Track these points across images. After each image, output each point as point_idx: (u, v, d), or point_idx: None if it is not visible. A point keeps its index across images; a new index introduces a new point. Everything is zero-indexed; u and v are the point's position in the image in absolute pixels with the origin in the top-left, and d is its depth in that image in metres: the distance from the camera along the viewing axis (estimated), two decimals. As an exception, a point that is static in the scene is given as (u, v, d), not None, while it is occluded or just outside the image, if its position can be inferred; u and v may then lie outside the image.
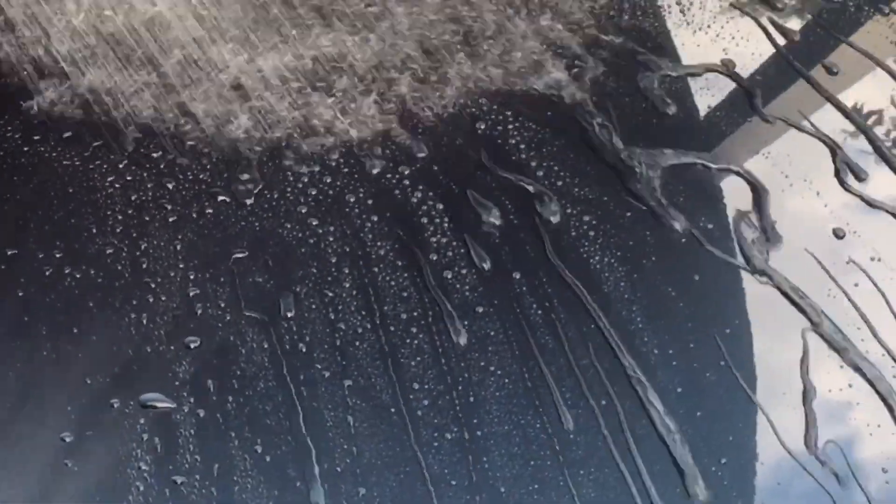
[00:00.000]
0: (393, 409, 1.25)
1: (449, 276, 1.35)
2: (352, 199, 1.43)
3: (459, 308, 1.33)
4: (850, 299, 1.35)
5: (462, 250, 1.38)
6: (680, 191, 1.46)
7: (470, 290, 1.34)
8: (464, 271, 1.36)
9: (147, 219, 1.42)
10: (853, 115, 1.57)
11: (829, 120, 1.58)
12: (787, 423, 1.25)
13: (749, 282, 1.37)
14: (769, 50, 1.68)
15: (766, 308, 1.35)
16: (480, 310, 1.33)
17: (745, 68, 1.65)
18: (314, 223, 1.41)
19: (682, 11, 1.73)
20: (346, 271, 1.36)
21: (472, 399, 1.25)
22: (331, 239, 1.39)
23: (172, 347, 1.29)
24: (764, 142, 1.55)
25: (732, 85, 1.63)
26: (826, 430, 1.24)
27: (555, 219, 1.41)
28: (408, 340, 1.30)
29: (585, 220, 1.42)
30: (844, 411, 1.26)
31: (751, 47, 1.68)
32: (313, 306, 1.32)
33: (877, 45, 1.68)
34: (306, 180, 1.46)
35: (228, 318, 1.31)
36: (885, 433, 1.23)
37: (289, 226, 1.41)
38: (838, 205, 1.46)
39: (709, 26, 1.72)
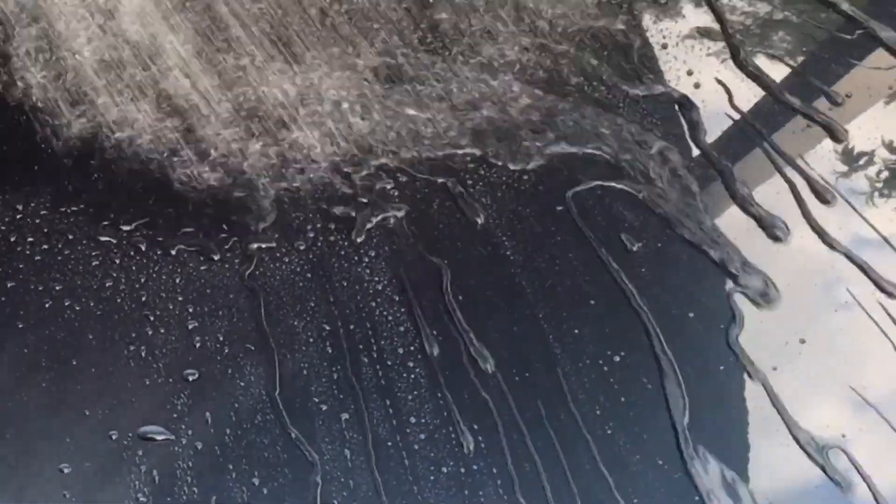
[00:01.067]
0: (389, 443, 1.25)
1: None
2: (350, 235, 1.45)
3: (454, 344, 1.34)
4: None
5: (458, 282, 1.39)
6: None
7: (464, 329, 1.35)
8: (459, 312, 1.37)
9: (147, 252, 1.42)
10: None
11: (819, 161, 1.60)
12: (779, 459, 1.26)
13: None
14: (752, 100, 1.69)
15: (757, 345, 1.36)
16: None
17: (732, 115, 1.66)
18: (312, 258, 1.42)
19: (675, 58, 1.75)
20: (344, 305, 1.37)
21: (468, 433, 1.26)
22: (329, 273, 1.40)
23: (171, 380, 1.29)
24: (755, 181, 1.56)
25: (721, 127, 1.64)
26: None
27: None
28: (405, 375, 1.30)
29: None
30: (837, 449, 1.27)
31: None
32: (311, 339, 1.33)
33: (867, 88, 1.70)
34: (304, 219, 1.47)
35: (227, 350, 1.32)
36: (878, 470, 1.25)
37: (287, 260, 1.42)
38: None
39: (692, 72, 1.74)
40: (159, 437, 1.24)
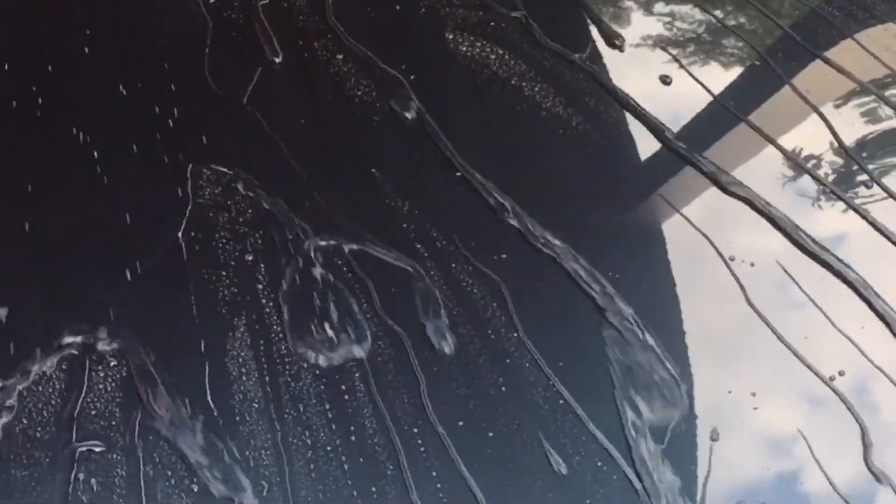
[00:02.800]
0: (329, 447, 1.25)
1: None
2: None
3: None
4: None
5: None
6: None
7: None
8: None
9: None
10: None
11: (765, 165, 1.61)
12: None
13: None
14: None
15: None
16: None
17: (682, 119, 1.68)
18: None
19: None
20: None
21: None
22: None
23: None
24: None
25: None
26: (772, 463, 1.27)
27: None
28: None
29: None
30: (791, 444, 1.29)
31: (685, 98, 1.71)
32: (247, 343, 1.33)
33: (814, 89, 1.71)
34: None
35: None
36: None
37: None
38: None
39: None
40: (97, 449, 1.23)
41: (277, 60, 1.64)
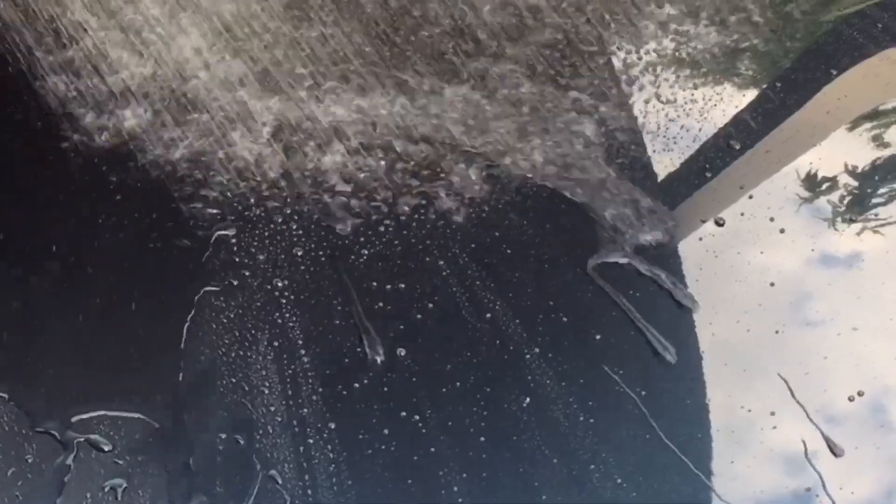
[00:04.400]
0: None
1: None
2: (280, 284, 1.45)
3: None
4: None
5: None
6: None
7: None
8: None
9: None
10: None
11: (780, 186, 1.62)
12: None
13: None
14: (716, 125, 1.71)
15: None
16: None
17: (698, 139, 1.68)
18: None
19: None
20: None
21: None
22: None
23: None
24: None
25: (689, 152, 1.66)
26: (788, 481, 1.27)
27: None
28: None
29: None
30: (805, 462, 1.29)
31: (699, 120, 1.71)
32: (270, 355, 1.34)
33: (831, 111, 1.72)
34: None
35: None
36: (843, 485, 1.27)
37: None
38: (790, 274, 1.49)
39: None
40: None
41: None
